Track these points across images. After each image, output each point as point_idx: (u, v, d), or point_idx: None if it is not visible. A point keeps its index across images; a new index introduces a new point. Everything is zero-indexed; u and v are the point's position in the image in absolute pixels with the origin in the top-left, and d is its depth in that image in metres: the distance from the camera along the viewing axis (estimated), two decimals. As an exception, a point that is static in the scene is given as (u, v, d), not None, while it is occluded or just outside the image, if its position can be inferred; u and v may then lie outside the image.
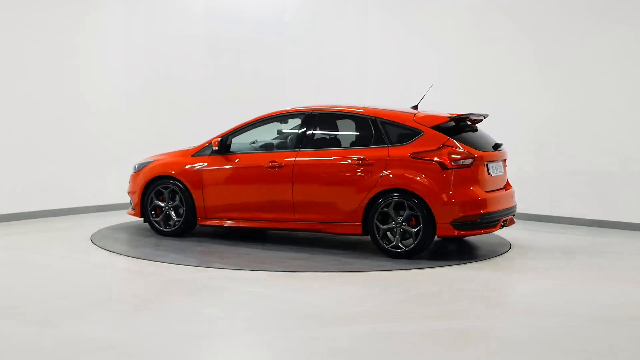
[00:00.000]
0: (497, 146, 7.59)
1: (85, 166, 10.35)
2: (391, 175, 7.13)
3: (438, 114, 7.45)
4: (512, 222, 7.69)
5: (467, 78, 10.83)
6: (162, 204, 8.34)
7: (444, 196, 6.94)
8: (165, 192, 8.31)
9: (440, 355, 4.27)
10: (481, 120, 7.81)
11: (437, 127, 7.23)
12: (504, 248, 7.89)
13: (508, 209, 7.53)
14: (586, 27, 9.69)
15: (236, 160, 7.98)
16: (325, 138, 7.78)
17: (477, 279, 6.48)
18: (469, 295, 5.89)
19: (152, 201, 8.40)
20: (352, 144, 7.65)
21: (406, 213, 7.04)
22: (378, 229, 7.17)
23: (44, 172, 9.75)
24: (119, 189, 10.86)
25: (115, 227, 9.04)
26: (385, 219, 7.17)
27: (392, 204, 7.10)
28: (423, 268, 6.81)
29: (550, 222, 10.02)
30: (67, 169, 10.08)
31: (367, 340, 4.52)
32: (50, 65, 9.84)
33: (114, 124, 10.76)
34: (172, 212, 8.28)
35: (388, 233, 7.17)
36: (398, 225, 7.10)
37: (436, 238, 7.39)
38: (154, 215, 8.40)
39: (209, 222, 8.12)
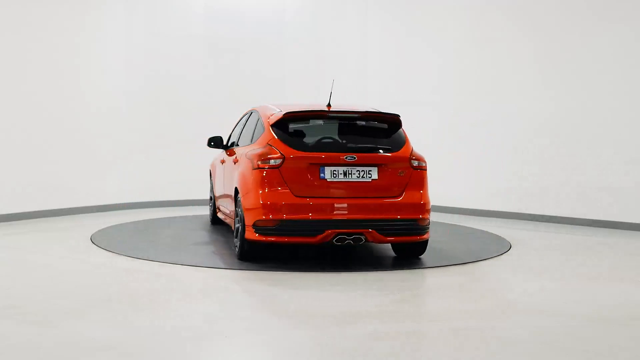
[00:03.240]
0: (365, 149, 6.74)
1: (85, 166, 10.35)
2: (237, 175, 7.10)
3: (279, 113, 6.93)
4: (377, 237, 6.54)
5: (467, 78, 10.83)
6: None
7: (248, 197, 6.61)
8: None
9: (441, 355, 4.26)
10: (360, 117, 6.99)
11: (278, 125, 6.78)
12: (504, 248, 7.89)
13: (362, 220, 6.51)
14: (586, 27, 9.70)
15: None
16: (245, 137, 7.80)
17: (478, 279, 6.48)
18: (469, 295, 5.89)
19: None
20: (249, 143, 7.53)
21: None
22: (237, 228, 7.03)
23: (44, 172, 9.75)
24: (119, 189, 10.88)
25: (115, 227, 9.04)
26: None
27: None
28: (423, 268, 6.81)
29: (550, 222, 10.02)
30: (67, 169, 10.08)
31: (367, 340, 4.52)
32: (50, 65, 9.84)
33: (114, 124, 10.76)
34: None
35: None
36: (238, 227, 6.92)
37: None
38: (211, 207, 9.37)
39: (218, 214, 8.89)
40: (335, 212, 6.47)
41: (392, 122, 7.00)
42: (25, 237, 8.36)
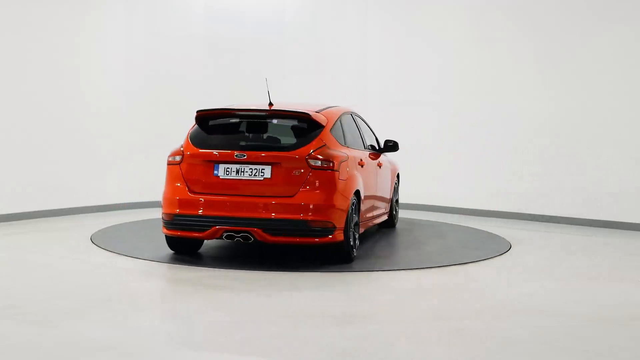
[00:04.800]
0: (259, 147, 6.75)
1: (85, 166, 10.35)
2: None
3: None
4: (263, 237, 6.46)
5: (467, 78, 10.83)
6: None
7: (162, 192, 6.95)
8: None
9: (440, 355, 4.26)
10: (266, 115, 6.98)
11: (198, 123, 7.02)
12: (504, 248, 7.89)
13: (247, 218, 6.49)
14: (586, 27, 9.70)
15: None
16: None
17: (478, 279, 6.48)
18: (469, 295, 5.89)
19: None
20: None
21: None
22: None
23: (44, 172, 9.74)
24: (119, 189, 10.87)
25: (115, 227, 9.04)
26: None
27: None
28: (422, 268, 6.81)
29: (550, 222, 10.02)
30: (67, 169, 10.08)
31: (367, 340, 4.52)
32: (50, 65, 9.84)
33: (114, 124, 10.75)
34: None
35: None
36: None
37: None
38: None
39: None
40: (223, 209, 6.56)
41: (307, 121, 6.91)
42: (25, 237, 8.36)
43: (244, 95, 11.53)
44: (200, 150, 6.75)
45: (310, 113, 6.86)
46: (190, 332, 4.64)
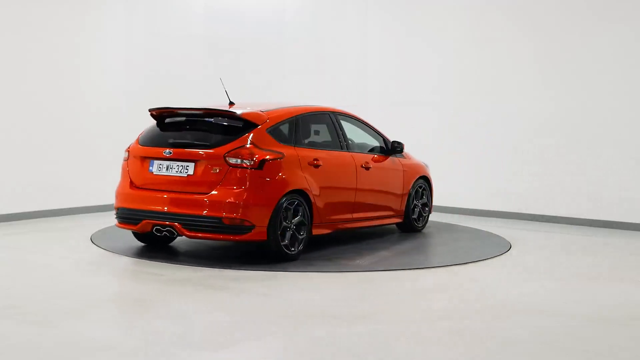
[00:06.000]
0: (184, 145, 6.86)
1: (85, 166, 10.34)
2: None
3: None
4: (183, 232, 6.65)
5: (467, 78, 10.83)
6: None
7: None
8: None
9: (440, 355, 4.27)
10: (204, 114, 7.08)
11: (156, 120, 7.37)
12: (504, 248, 7.89)
13: (169, 213, 6.70)
14: (586, 27, 9.70)
15: None
16: None
17: (477, 279, 6.48)
18: (468, 295, 5.89)
19: None
20: None
21: None
22: None
23: (44, 172, 9.75)
24: (119, 189, 10.86)
25: (115, 227, 9.02)
26: None
27: None
28: (422, 268, 6.81)
29: (549, 222, 10.02)
30: (67, 169, 10.08)
31: (367, 340, 4.52)
32: (50, 65, 9.84)
33: (114, 124, 10.75)
34: None
35: None
36: None
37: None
38: None
39: None
40: (151, 204, 6.88)
41: (240, 120, 6.93)
42: (25, 237, 8.36)
43: (244, 95, 11.55)
44: (140, 147, 7.12)
45: (241, 112, 6.95)
46: (190, 332, 4.64)
